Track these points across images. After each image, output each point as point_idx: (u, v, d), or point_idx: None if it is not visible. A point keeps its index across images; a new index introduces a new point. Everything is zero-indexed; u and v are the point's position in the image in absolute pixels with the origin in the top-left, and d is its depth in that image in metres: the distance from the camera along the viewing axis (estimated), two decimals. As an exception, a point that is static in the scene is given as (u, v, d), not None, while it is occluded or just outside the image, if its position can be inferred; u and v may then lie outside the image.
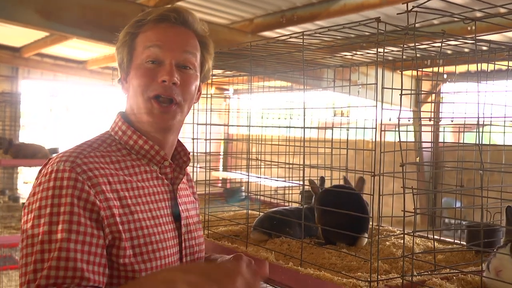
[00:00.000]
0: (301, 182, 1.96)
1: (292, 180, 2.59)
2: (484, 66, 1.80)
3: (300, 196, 2.30)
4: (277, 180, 2.21)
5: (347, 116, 2.54)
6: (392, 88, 1.32)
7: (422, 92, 1.35)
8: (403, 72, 1.51)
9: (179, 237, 1.42)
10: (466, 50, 1.92)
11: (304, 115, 1.64)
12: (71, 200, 1.18)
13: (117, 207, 1.25)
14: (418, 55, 2.01)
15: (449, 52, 1.99)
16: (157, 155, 1.39)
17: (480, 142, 1.48)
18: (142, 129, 1.40)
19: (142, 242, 1.28)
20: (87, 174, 1.22)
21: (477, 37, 1.46)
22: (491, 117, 1.56)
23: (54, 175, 1.21)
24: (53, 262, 1.12)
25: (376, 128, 1.38)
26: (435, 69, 1.82)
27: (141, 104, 1.38)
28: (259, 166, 2.67)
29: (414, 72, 1.65)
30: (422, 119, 1.67)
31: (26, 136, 8.25)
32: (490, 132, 1.75)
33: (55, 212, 1.17)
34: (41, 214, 1.18)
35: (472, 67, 1.80)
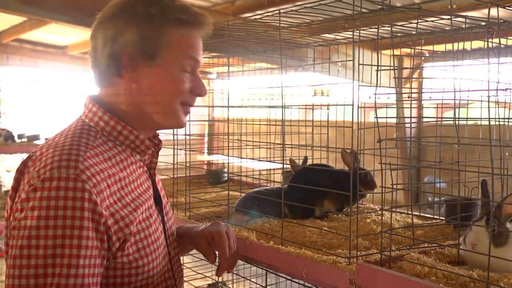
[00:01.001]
0: (283, 162, 1.97)
1: (274, 160, 2.59)
2: (462, 44, 1.80)
3: (281, 175, 2.30)
4: (258, 161, 2.21)
5: (327, 96, 2.54)
6: (368, 65, 1.32)
7: (399, 68, 1.35)
8: (385, 52, 1.51)
9: (162, 220, 1.42)
10: (447, 28, 1.92)
11: (282, 95, 1.63)
12: (80, 213, 1.11)
13: (121, 210, 1.22)
14: (399, 34, 2.01)
15: (430, 30, 1.99)
16: (142, 144, 1.36)
17: (458, 117, 1.48)
18: (125, 117, 1.34)
19: (142, 237, 1.27)
20: (92, 180, 1.15)
21: (453, 13, 1.46)
22: (468, 92, 1.56)
23: (57, 184, 1.11)
24: (62, 280, 1.07)
25: (353, 105, 1.38)
26: (414, 47, 1.82)
27: (170, 108, 1.34)
28: (241, 148, 2.67)
29: (395, 51, 1.65)
30: (401, 95, 1.68)
31: (6, 123, 8.13)
32: (467, 107, 1.77)
33: (60, 226, 1.09)
34: (46, 226, 1.09)
35: (451, 45, 1.80)
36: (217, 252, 1.54)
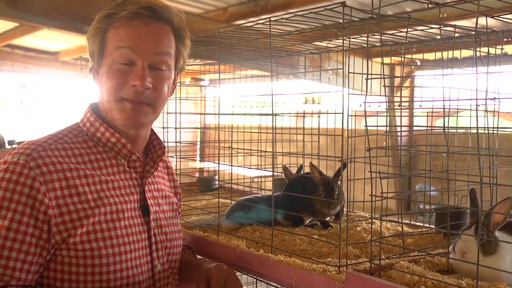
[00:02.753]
0: (272, 170, 1.96)
1: (265, 168, 2.59)
2: (452, 52, 1.81)
3: (272, 183, 2.29)
4: (249, 168, 2.20)
5: (319, 103, 2.54)
6: (358, 73, 1.32)
7: (389, 76, 1.35)
8: (376, 60, 1.51)
9: (147, 232, 1.40)
10: (438, 37, 1.93)
11: (272, 102, 1.63)
12: (18, 197, 1.17)
13: (72, 204, 1.23)
14: (390, 42, 2.02)
15: (421, 38, 2.00)
16: (123, 148, 1.37)
17: (447, 126, 1.49)
18: (112, 121, 1.38)
19: (99, 237, 1.25)
20: (41, 169, 1.20)
21: (442, 22, 1.46)
22: (457, 101, 1.57)
23: (6, 167, 1.19)
24: None
25: (343, 113, 1.38)
26: (404, 55, 1.83)
27: (112, 104, 1.35)
28: (233, 155, 2.66)
29: (386, 59, 1.65)
30: (393, 104, 1.68)
31: (-3, 129, 8.07)
32: (457, 116, 1.78)
33: None
34: None
35: (440, 54, 1.81)
36: None
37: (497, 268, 1.21)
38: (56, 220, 1.20)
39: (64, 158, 1.26)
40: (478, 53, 1.27)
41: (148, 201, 1.42)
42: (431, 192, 1.97)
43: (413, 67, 2.07)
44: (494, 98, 1.20)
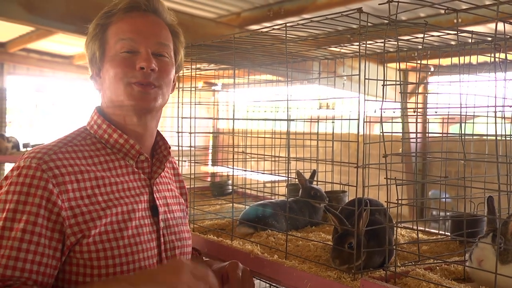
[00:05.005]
0: (287, 175, 1.96)
1: (279, 173, 2.59)
2: (468, 58, 1.80)
3: (286, 189, 2.30)
4: (263, 174, 2.20)
5: (333, 109, 2.54)
6: (374, 79, 1.31)
7: (405, 82, 1.35)
8: (391, 65, 1.51)
9: (157, 232, 1.40)
10: (453, 42, 1.92)
11: (287, 108, 1.63)
12: (32, 199, 1.18)
13: (84, 205, 1.24)
14: (405, 48, 2.01)
15: (436, 44, 1.99)
16: (132, 149, 1.38)
17: (464, 133, 1.48)
18: (119, 122, 1.39)
19: (111, 237, 1.26)
20: (53, 171, 1.22)
21: (459, 28, 1.46)
22: (473, 108, 1.56)
23: (19, 171, 1.21)
24: (2, 260, 1.12)
25: (359, 119, 1.37)
26: (420, 61, 1.82)
27: (122, 90, 1.35)
28: (246, 160, 2.67)
29: (401, 65, 1.64)
30: (407, 110, 1.67)
31: (12, 132, 8.16)
32: (473, 123, 1.76)
33: (12, 209, 1.17)
34: (1, 209, 1.18)
35: (457, 59, 1.80)
36: None
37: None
38: (69, 222, 1.21)
39: (75, 160, 1.28)
40: (496, 59, 1.26)
41: (157, 201, 1.43)
42: (446, 199, 1.95)
43: (429, 73, 2.06)
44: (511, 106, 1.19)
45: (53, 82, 10.00)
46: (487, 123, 1.66)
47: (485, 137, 1.72)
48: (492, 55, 1.43)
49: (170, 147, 1.52)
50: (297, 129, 2.33)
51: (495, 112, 1.14)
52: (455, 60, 1.77)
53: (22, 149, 5.81)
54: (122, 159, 1.38)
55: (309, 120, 2.43)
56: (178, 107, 2.14)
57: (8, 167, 7.81)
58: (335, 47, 2.14)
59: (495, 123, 1.16)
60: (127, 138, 1.37)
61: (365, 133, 1.48)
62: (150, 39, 1.37)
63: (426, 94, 2.49)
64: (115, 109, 1.39)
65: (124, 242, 1.28)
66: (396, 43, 1.39)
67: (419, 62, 1.80)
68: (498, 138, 1.43)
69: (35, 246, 1.16)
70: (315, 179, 2.21)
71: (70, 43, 8.15)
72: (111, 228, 1.27)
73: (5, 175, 1.25)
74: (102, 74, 1.40)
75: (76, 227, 1.22)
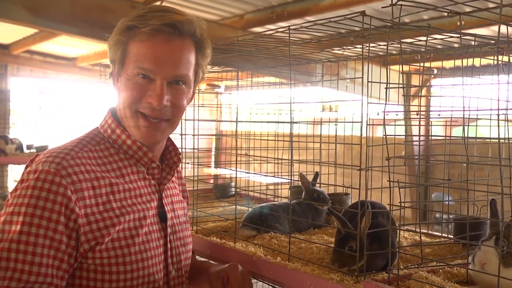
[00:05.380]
0: (290, 178, 1.96)
1: (281, 175, 2.59)
2: (471, 61, 1.80)
3: (289, 191, 2.30)
4: (266, 176, 2.21)
5: (336, 111, 2.54)
6: (377, 82, 1.32)
7: (408, 86, 1.35)
8: (393, 68, 1.51)
9: (164, 238, 1.41)
10: (456, 45, 1.92)
11: (290, 110, 1.63)
12: (52, 206, 1.17)
13: (98, 213, 1.24)
14: (408, 50, 2.01)
15: (439, 47, 1.99)
16: (145, 156, 1.38)
17: (467, 136, 1.48)
18: (128, 129, 1.39)
19: (123, 244, 1.27)
20: (72, 178, 1.21)
21: (462, 31, 1.46)
22: (477, 111, 1.56)
23: (37, 175, 1.19)
24: (18, 265, 1.12)
25: (362, 122, 1.38)
26: (423, 64, 1.82)
27: (129, 117, 1.35)
28: (249, 162, 2.67)
29: (404, 67, 1.63)
30: (410, 113, 1.68)
31: (15, 133, 8.19)
32: (476, 125, 1.76)
33: (30, 213, 1.15)
34: (17, 212, 1.16)
35: (460, 62, 1.80)
36: None
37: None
38: (84, 229, 1.21)
39: (92, 166, 1.27)
40: (499, 62, 1.26)
41: (165, 207, 1.44)
42: (449, 202, 1.95)
43: (432, 76, 2.06)
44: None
45: (57, 84, 10.02)
46: (490, 126, 1.66)
47: (488, 140, 1.72)
48: (495, 58, 1.43)
49: (180, 153, 1.52)
50: (300, 132, 2.33)
51: (498, 115, 1.14)
52: (458, 62, 1.77)
53: (25, 150, 5.83)
54: (134, 165, 1.37)
55: (312, 123, 2.43)
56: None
57: (11, 168, 7.84)
58: (338, 49, 2.15)
59: (498, 126, 1.16)
60: (140, 146, 1.37)
61: (368, 136, 1.48)
62: (169, 67, 1.32)
63: (429, 97, 2.49)
64: (128, 121, 1.38)
65: (135, 249, 1.29)
66: (399, 45, 1.40)
67: (422, 65, 1.81)
68: (502, 141, 1.43)
69: (55, 251, 1.17)
70: (318, 181, 2.21)
71: (73, 45, 8.17)
72: (123, 235, 1.28)
73: (20, 179, 1.23)
74: (119, 79, 1.38)
75: (90, 234, 1.22)
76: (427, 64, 1.93)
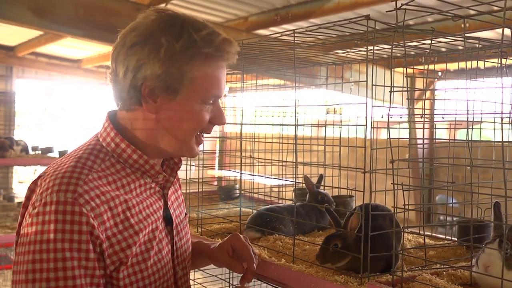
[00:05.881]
0: (294, 180, 1.97)
1: (286, 178, 2.60)
2: (475, 63, 1.81)
3: (293, 193, 2.31)
4: (270, 178, 2.22)
5: (340, 114, 2.55)
6: (381, 85, 1.33)
7: (413, 89, 1.36)
8: (398, 70, 1.52)
9: (171, 241, 1.43)
10: (460, 48, 1.93)
11: (295, 113, 1.64)
12: (78, 237, 1.15)
13: (118, 233, 1.24)
14: (412, 52, 2.02)
15: (443, 50, 2.00)
16: (151, 169, 1.36)
17: (471, 139, 1.49)
18: (138, 143, 1.34)
19: (140, 259, 1.29)
20: (90, 204, 1.18)
21: (466, 35, 1.47)
22: (481, 114, 1.56)
23: (56, 208, 1.15)
24: None
25: (366, 125, 1.39)
26: (427, 66, 1.83)
27: (186, 141, 1.34)
28: (253, 164, 2.68)
29: (408, 70, 1.64)
30: (414, 116, 1.68)
31: (21, 135, 8.24)
32: (480, 128, 1.77)
33: (60, 248, 1.13)
34: (45, 249, 1.13)
35: (464, 64, 1.81)
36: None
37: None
38: (108, 252, 1.21)
39: (104, 187, 1.24)
40: (502, 65, 1.27)
41: (170, 210, 1.45)
42: (453, 204, 1.95)
43: (436, 79, 2.07)
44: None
45: (62, 86, 10.07)
46: (494, 128, 1.67)
47: (492, 143, 1.73)
48: (499, 61, 1.44)
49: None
50: (304, 134, 2.34)
51: (502, 118, 1.15)
52: (462, 65, 1.78)
53: (31, 152, 5.86)
54: (140, 178, 1.35)
55: (317, 125, 2.44)
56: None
57: (16, 169, 7.87)
58: (343, 52, 2.16)
59: (502, 129, 1.17)
60: (147, 159, 1.34)
61: (372, 138, 1.49)
62: (224, 91, 1.36)
63: (433, 100, 2.50)
64: (151, 143, 1.35)
65: (150, 262, 1.31)
66: (403, 48, 1.41)
67: (427, 69, 1.82)
68: (506, 144, 1.43)
69: (90, 278, 1.17)
70: (322, 183, 2.22)
71: (78, 47, 8.22)
72: (139, 250, 1.29)
73: (30, 209, 1.18)
74: (160, 103, 1.29)
75: (114, 256, 1.22)
76: (431, 67, 1.94)
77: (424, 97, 1.71)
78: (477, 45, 1.72)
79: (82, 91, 10.13)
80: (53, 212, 1.14)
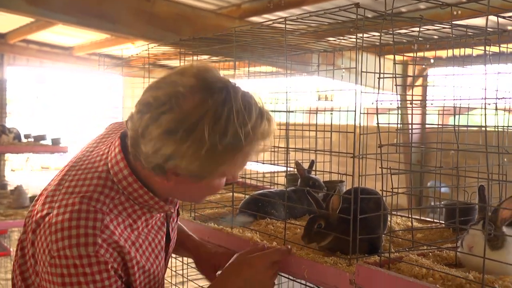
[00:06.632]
0: (286, 165, 2.01)
1: (278, 163, 2.64)
2: (464, 51, 1.84)
3: (285, 179, 2.34)
4: (262, 164, 2.25)
5: (331, 100, 2.58)
6: (370, 72, 1.36)
7: (400, 75, 1.39)
8: (389, 57, 1.55)
9: (165, 253, 1.50)
10: (449, 35, 1.96)
11: (286, 99, 1.67)
12: (109, 283, 1.21)
13: (126, 276, 1.30)
14: (404, 40, 2.05)
15: (435, 37, 2.03)
16: (160, 208, 1.38)
17: (458, 125, 1.53)
18: (150, 186, 1.33)
19: (146, 280, 1.37)
20: (109, 251, 1.22)
21: (454, 22, 1.50)
22: (468, 100, 1.60)
23: (80, 262, 1.17)
24: None
25: (355, 111, 1.42)
26: (416, 54, 1.86)
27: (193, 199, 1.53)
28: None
29: (398, 57, 1.67)
30: (405, 102, 1.72)
31: (12, 123, 8.21)
32: (468, 114, 1.81)
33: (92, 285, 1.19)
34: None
35: (455, 52, 1.84)
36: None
37: (504, 261, 1.25)
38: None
39: (116, 230, 1.25)
40: (486, 53, 1.31)
41: (170, 230, 1.52)
42: (443, 189, 2.00)
43: (424, 65, 2.10)
44: (503, 98, 1.23)
45: (54, 73, 10.02)
46: (481, 114, 1.71)
47: (479, 128, 1.77)
48: (487, 48, 1.47)
49: None
50: (296, 120, 2.37)
51: (485, 104, 1.19)
52: (451, 53, 1.81)
53: (23, 139, 5.85)
54: (147, 212, 1.37)
55: (308, 112, 2.47)
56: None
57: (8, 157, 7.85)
58: (334, 40, 2.18)
59: (485, 114, 1.21)
60: (157, 201, 1.34)
61: (362, 125, 1.52)
62: None
63: (424, 86, 2.54)
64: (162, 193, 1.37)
65: (154, 279, 1.40)
66: (395, 36, 1.44)
67: (415, 56, 1.85)
68: (492, 129, 1.48)
69: None
70: (313, 169, 2.26)
71: (70, 34, 8.17)
72: (142, 271, 1.35)
73: (50, 260, 1.19)
74: (182, 179, 1.26)
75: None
76: (421, 54, 1.97)
77: (413, 84, 1.75)
78: (465, 33, 1.76)
79: (74, 78, 10.09)
80: (80, 266, 1.17)
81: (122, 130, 1.41)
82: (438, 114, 1.99)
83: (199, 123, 1.15)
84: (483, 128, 1.65)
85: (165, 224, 1.47)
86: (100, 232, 1.19)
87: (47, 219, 1.22)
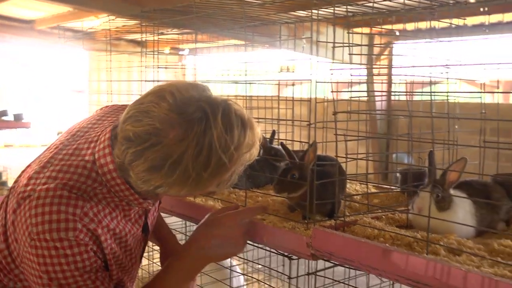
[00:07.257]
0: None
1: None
2: (430, 24, 1.89)
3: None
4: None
5: (293, 72, 2.62)
6: (324, 42, 1.40)
7: (353, 45, 1.43)
8: (357, 29, 1.58)
9: (144, 243, 1.56)
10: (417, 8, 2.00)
11: (245, 70, 1.70)
12: (89, 262, 1.26)
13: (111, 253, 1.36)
14: (368, 12, 2.08)
15: (402, 11, 2.07)
16: (139, 205, 1.41)
17: (410, 92, 1.59)
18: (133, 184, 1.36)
19: (119, 268, 1.41)
20: (92, 235, 1.27)
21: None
22: (430, 74, 1.66)
23: (60, 245, 1.22)
24: None
25: (311, 80, 1.46)
26: (381, 26, 1.91)
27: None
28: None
29: (366, 30, 1.70)
30: (371, 76, 1.77)
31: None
32: (430, 84, 1.87)
33: (73, 268, 1.23)
34: (60, 270, 1.23)
35: (421, 25, 1.89)
36: None
37: (449, 220, 1.33)
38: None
39: (96, 218, 1.29)
40: (435, 25, 1.36)
41: (148, 221, 1.55)
42: (403, 158, 2.07)
43: (396, 37, 2.14)
44: (447, 67, 1.29)
45: (14, 48, 9.73)
46: (447, 83, 1.76)
47: (444, 99, 1.83)
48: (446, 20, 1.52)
49: None
50: (259, 93, 2.40)
51: (430, 77, 1.24)
52: (421, 25, 1.85)
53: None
54: (126, 205, 1.40)
55: (268, 82, 2.50)
56: (141, 70, 2.19)
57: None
58: (294, 11, 2.20)
59: (430, 84, 1.27)
60: (137, 197, 1.37)
61: (325, 96, 1.56)
62: None
63: (389, 58, 2.59)
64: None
65: (131, 263, 1.47)
66: (364, 9, 1.47)
67: (378, 27, 1.89)
68: (444, 98, 1.54)
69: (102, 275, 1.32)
70: (275, 138, 2.30)
71: (30, 7, 7.90)
72: (124, 258, 1.43)
73: (28, 240, 1.23)
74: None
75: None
76: (378, 27, 2.02)
77: (369, 53, 1.79)
78: (437, 5, 1.80)
79: (37, 53, 9.83)
80: (60, 248, 1.21)
81: (114, 116, 1.46)
82: (406, 83, 2.05)
83: (183, 156, 1.19)
84: (438, 98, 1.72)
85: (143, 217, 1.51)
86: (79, 219, 1.24)
87: (27, 201, 1.25)
